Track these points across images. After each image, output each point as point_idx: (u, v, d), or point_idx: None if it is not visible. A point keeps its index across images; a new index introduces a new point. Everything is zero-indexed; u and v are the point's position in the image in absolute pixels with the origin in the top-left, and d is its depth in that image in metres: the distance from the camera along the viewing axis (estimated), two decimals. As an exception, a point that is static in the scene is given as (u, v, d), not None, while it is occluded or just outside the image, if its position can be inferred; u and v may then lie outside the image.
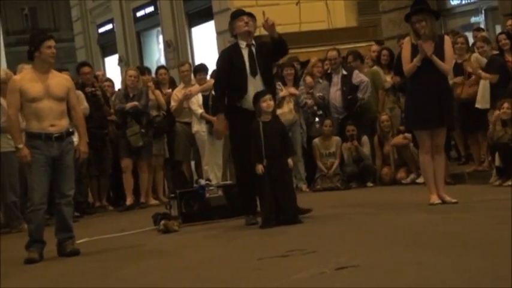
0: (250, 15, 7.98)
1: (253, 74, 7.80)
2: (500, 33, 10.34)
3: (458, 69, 10.20)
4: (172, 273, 5.80)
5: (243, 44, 7.90)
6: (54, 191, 7.00)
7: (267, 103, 7.66)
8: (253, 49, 7.88)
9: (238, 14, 8.01)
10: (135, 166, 10.88)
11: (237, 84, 7.77)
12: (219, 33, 18.54)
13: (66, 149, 6.99)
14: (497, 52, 10.17)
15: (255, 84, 7.78)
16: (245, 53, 7.86)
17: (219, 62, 8.09)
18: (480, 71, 9.89)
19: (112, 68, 23.98)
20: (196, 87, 10.94)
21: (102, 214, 10.59)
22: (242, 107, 7.79)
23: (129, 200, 10.83)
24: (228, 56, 7.94)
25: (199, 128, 10.88)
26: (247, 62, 7.82)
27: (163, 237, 7.81)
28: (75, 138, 7.26)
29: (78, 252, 6.99)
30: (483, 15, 13.61)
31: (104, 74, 11.90)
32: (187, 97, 10.89)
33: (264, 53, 7.86)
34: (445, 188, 8.13)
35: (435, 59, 7.79)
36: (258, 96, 7.75)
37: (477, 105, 9.95)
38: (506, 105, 9.38)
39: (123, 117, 10.76)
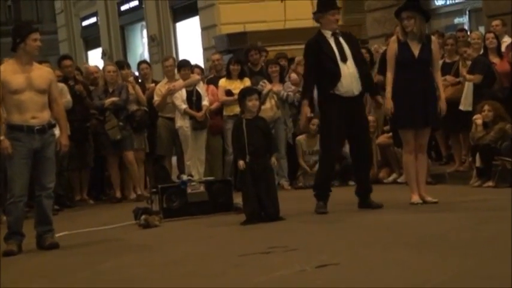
0: (339, 8, 8.10)
1: (344, 60, 7.87)
2: (488, 32, 10.37)
3: (448, 68, 10.25)
4: (152, 268, 5.77)
5: (328, 34, 7.97)
6: (35, 183, 6.95)
7: (253, 102, 7.66)
8: (339, 37, 7.96)
9: (330, 7, 8.00)
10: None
11: (329, 71, 7.84)
12: (204, 29, 18.50)
13: (48, 141, 6.96)
14: (482, 52, 10.22)
15: (347, 70, 7.85)
16: (332, 41, 7.94)
17: (308, 51, 8.11)
18: (464, 74, 9.93)
19: (95, 62, 23.86)
20: (180, 82, 10.91)
21: (82, 208, 10.53)
22: (336, 94, 7.83)
23: (118, 194, 10.85)
24: (316, 45, 7.98)
25: (182, 124, 10.85)
26: (335, 49, 7.89)
27: (144, 232, 7.78)
28: (57, 131, 7.21)
29: (58, 245, 6.95)
30: (467, 16, 13.66)
31: (98, 70, 11.78)
32: (171, 92, 10.86)
33: (351, 41, 8.02)
34: (426, 187, 8.16)
35: (441, 90, 7.95)
36: (245, 94, 7.74)
37: (460, 107, 10.00)
38: (486, 107, 9.43)
39: (103, 113, 10.73)
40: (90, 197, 11.05)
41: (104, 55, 23.67)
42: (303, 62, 11.46)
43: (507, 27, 10.60)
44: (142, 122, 10.95)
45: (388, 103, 7.91)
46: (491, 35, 10.13)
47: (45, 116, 6.95)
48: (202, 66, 14.19)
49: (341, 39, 7.95)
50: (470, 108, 9.87)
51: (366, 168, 8.27)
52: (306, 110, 8.05)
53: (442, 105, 7.93)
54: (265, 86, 10.75)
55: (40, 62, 7.86)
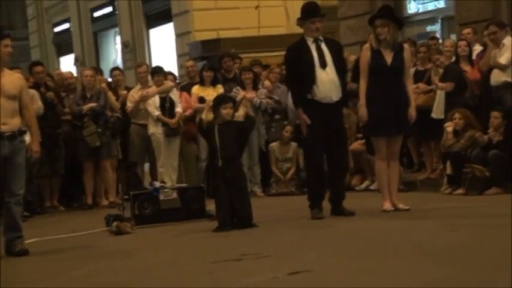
0: (322, 15, 8.06)
1: (323, 66, 7.87)
2: (460, 40, 10.46)
3: (420, 76, 10.33)
4: (123, 275, 5.74)
5: (310, 40, 7.98)
6: (4, 189, 6.88)
7: (227, 111, 7.65)
8: (321, 43, 7.96)
9: (312, 14, 7.98)
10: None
11: (306, 76, 7.86)
12: (178, 36, 18.46)
13: (18, 148, 6.89)
14: (453, 60, 10.30)
15: (326, 76, 7.85)
16: (313, 47, 7.94)
17: (288, 57, 8.16)
18: (437, 82, 10.00)
19: (67, 68, 23.71)
20: (154, 89, 10.87)
21: (53, 214, 10.45)
22: (314, 99, 7.85)
23: (89, 200, 10.78)
24: (296, 50, 8.02)
25: (155, 130, 10.81)
26: (315, 55, 7.90)
27: (116, 238, 7.73)
28: (28, 137, 7.15)
29: (27, 252, 6.87)
30: (439, 24, 13.77)
31: (72, 76, 11.74)
32: (144, 99, 10.82)
33: (334, 48, 8.03)
34: (398, 195, 8.19)
35: (411, 97, 7.96)
36: (220, 101, 7.73)
37: (432, 115, 10.07)
38: (457, 115, 9.51)
39: (81, 119, 10.66)
40: (61, 204, 10.97)
41: (76, 61, 23.54)
42: (276, 69, 11.55)
43: (478, 35, 10.70)
44: (115, 128, 10.90)
45: (362, 110, 7.94)
46: (464, 42, 10.22)
47: (15, 122, 6.89)
48: (176, 73, 14.18)
49: (323, 46, 7.96)
50: (442, 116, 9.95)
51: (341, 177, 8.29)
52: (304, 118, 7.93)
53: (412, 112, 7.98)
54: (239, 93, 10.75)
55: (11, 68, 7.78)
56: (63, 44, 25.32)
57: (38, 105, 10.06)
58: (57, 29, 25.49)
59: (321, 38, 8.02)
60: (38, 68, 10.94)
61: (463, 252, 5.56)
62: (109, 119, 10.79)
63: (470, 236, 6.22)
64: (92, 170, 10.79)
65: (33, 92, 9.82)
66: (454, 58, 10.29)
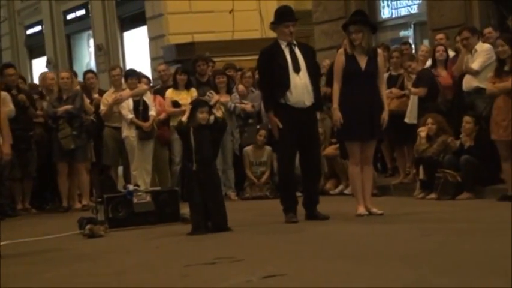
0: (296, 19, 8.04)
1: (296, 71, 7.85)
2: (438, 45, 10.53)
3: (393, 81, 10.40)
4: (96, 278, 5.70)
5: (283, 44, 7.95)
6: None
7: (204, 115, 7.63)
8: (294, 47, 7.94)
9: (285, 18, 7.97)
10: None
11: (280, 80, 7.83)
12: (152, 39, 18.41)
13: (-11, 150, 6.83)
14: (430, 65, 10.38)
15: (299, 81, 7.83)
16: (286, 51, 7.92)
17: (261, 61, 8.14)
18: (410, 87, 10.07)
19: (40, 70, 23.52)
20: (127, 91, 10.84)
21: (25, 217, 10.37)
22: (287, 104, 7.83)
23: (64, 203, 10.72)
24: (269, 54, 7.99)
25: (129, 133, 10.78)
26: (289, 59, 7.88)
27: (89, 241, 7.68)
28: (-1, 140, 7.09)
29: (-1, 255, 6.81)
30: (412, 30, 13.88)
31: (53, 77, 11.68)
32: (118, 102, 10.77)
33: (308, 52, 8.03)
34: (371, 199, 8.23)
35: (385, 102, 8.02)
36: (196, 105, 7.72)
37: (406, 120, 10.14)
38: (430, 120, 9.58)
39: (56, 121, 10.60)
40: (33, 207, 10.89)
41: (48, 64, 23.37)
42: (248, 73, 11.56)
43: (450, 40, 10.80)
44: (89, 131, 10.86)
45: (336, 114, 7.97)
46: (442, 47, 10.32)
47: (-14, 124, 6.83)
48: (150, 76, 14.13)
49: (296, 50, 7.96)
50: (415, 121, 10.02)
51: (315, 181, 8.30)
52: (275, 121, 7.92)
53: (385, 116, 8.01)
54: (213, 97, 10.75)
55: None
56: (35, 47, 25.12)
57: (10, 107, 9.99)
58: (29, 31, 25.29)
59: (295, 42, 8.03)
60: (10, 70, 10.88)
61: (435, 256, 5.60)
62: (84, 122, 10.76)
63: (442, 241, 6.27)
64: (66, 172, 10.74)
65: (4, 94, 9.76)
66: (430, 63, 10.37)
